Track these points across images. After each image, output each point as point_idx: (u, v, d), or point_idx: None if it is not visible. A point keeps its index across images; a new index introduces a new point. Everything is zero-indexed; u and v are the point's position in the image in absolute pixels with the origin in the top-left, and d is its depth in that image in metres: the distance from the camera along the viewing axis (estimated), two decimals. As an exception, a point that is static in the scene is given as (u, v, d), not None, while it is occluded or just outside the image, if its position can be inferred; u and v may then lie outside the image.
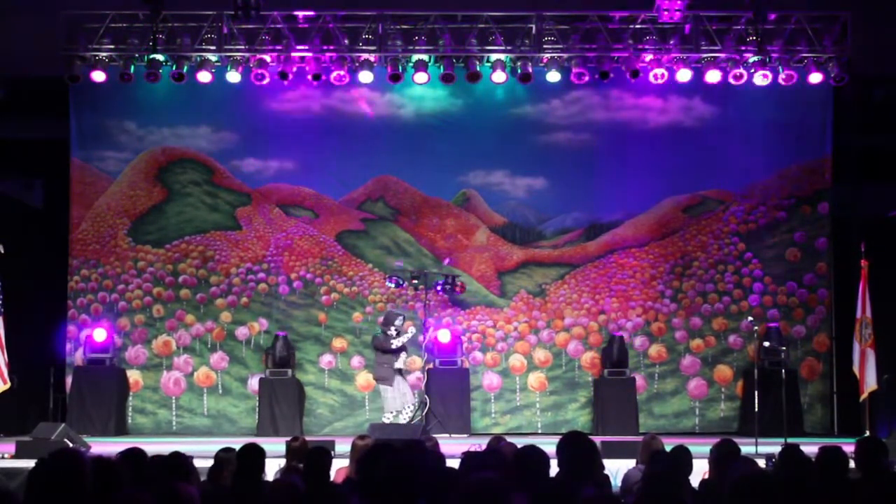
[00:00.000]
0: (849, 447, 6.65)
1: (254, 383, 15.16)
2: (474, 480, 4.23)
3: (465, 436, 14.07)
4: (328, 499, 5.42)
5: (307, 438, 8.73)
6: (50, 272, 15.50)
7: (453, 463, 6.59)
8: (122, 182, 15.62)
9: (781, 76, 14.91)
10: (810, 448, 6.69)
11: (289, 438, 8.24)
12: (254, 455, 6.53)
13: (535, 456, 5.33)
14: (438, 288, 14.67)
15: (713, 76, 14.84)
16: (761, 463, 9.17)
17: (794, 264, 15.63)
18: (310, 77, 14.81)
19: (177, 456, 5.97)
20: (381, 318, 13.86)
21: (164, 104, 15.51)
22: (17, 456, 10.91)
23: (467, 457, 5.84)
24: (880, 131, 15.30)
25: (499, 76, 14.83)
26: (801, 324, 15.52)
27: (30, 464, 4.48)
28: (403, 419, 13.09)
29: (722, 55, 14.83)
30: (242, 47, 14.85)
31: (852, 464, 6.41)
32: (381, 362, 13.24)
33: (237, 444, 6.81)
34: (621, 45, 14.82)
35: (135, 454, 5.76)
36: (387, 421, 13.05)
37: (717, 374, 15.54)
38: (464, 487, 4.19)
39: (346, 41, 14.87)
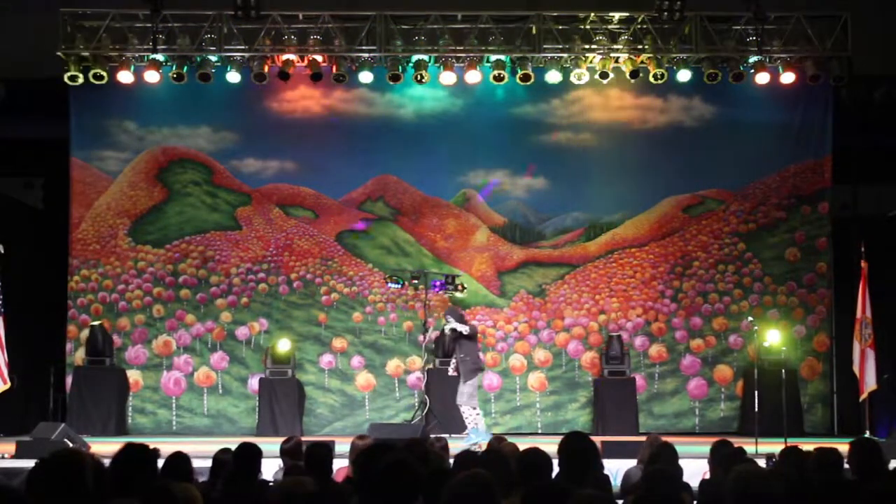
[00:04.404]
0: (847, 447, 6.63)
1: (254, 383, 15.16)
2: (463, 476, 4.24)
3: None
4: (330, 496, 5.41)
5: (306, 438, 8.69)
6: (50, 272, 15.50)
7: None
8: (122, 182, 15.62)
9: (781, 76, 14.94)
10: (810, 448, 6.68)
11: (283, 439, 8.19)
12: (250, 455, 6.51)
13: (537, 459, 5.33)
14: (437, 288, 14.65)
15: (712, 76, 14.84)
16: (761, 463, 9.18)
17: (794, 264, 15.63)
18: (310, 77, 14.85)
19: (177, 456, 5.96)
20: (449, 317, 13.23)
21: (164, 104, 15.52)
22: (17, 456, 10.89)
23: (461, 456, 5.85)
24: (880, 131, 15.31)
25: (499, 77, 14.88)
26: (801, 324, 15.53)
27: (30, 464, 4.47)
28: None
29: (722, 55, 14.84)
30: (242, 47, 14.85)
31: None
32: (473, 352, 12.96)
33: (237, 444, 6.80)
34: (622, 46, 14.84)
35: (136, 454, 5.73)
36: (478, 413, 12.83)
37: (717, 374, 15.54)
38: (453, 484, 4.20)
39: (346, 41, 14.88)
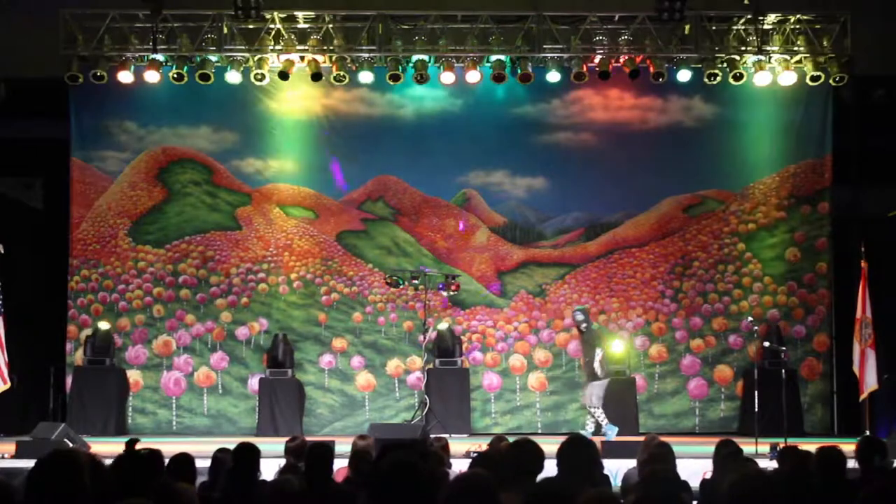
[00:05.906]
0: (848, 447, 6.64)
1: (254, 383, 15.16)
2: (463, 476, 4.24)
3: (465, 436, 14.05)
4: (331, 496, 5.42)
5: (306, 438, 8.70)
6: (50, 272, 15.50)
7: (454, 462, 6.58)
8: (122, 182, 15.63)
9: (781, 76, 14.94)
10: (810, 448, 6.69)
11: (287, 438, 8.23)
12: (249, 455, 6.51)
13: (528, 448, 5.32)
14: (440, 288, 14.69)
15: (712, 76, 14.84)
16: (764, 455, 9.20)
17: (794, 264, 15.63)
18: (310, 77, 14.84)
19: (182, 457, 5.97)
20: (580, 315, 13.43)
21: (164, 104, 15.52)
22: (17, 456, 10.89)
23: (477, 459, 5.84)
24: (880, 131, 15.31)
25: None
26: (801, 324, 15.53)
27: (30, 464, 4.47)
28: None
29: (722, 55, 14.84)
30: (242, 47, 14.85)
31: (851, 463, 6.40)
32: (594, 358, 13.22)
33: (237, 444, 6.80)
34: (621, 45, 14.84)
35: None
36: (599, 413, 13.17)
37: (717, 374, 15.54)
38: (452, 484, 4.20)
39: (346, 41, 14.88)
